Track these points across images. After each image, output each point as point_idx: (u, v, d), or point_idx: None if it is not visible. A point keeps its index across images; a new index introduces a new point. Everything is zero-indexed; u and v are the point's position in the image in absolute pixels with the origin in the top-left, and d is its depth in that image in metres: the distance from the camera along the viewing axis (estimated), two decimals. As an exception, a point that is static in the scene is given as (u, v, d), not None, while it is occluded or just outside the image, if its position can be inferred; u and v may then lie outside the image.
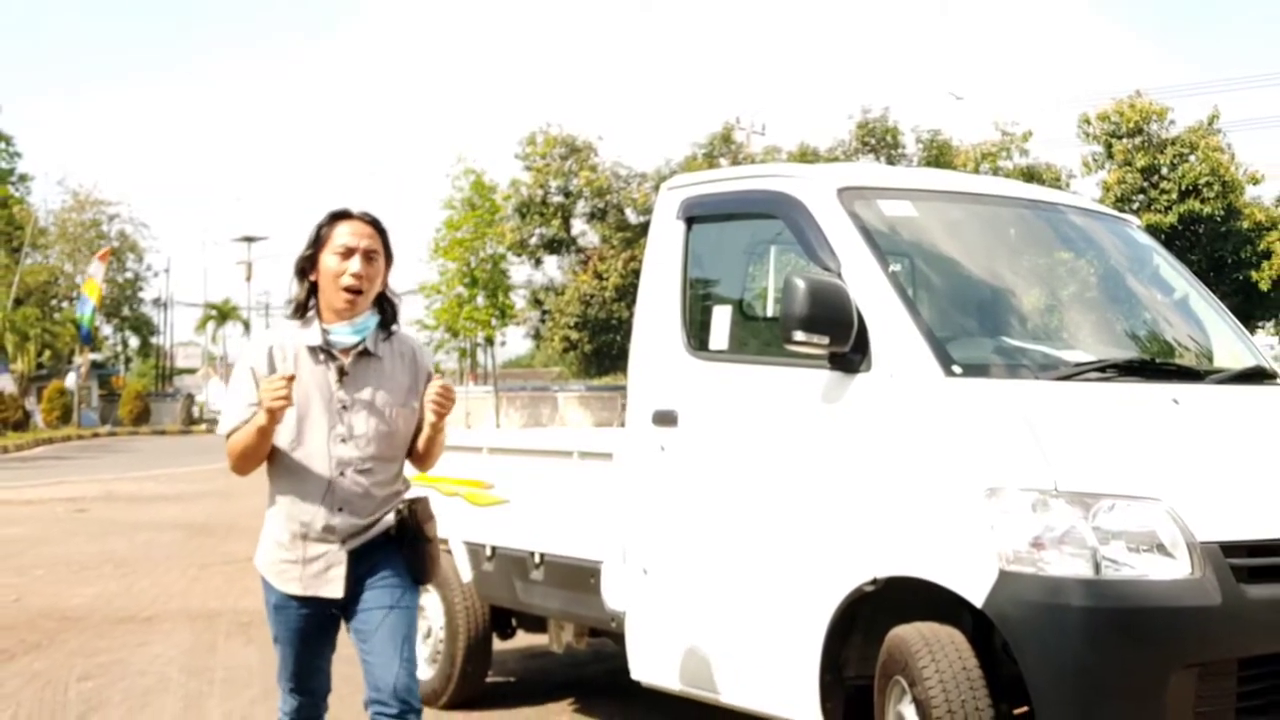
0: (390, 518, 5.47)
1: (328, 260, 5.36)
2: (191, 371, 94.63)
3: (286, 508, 5.39)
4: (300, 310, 5.46)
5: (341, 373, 5.36)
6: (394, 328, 5.58)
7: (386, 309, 5.55)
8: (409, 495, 5.61)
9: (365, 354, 5.42)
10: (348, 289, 5.31)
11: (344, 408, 5.35)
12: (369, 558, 5.42)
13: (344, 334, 5.38)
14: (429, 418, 5.43)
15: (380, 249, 5.45)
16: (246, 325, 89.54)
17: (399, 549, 5.48)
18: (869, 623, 6.09)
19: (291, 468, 5.36)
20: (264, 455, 5.34)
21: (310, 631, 5.54)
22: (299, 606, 5.45)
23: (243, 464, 5.39)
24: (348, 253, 5.32)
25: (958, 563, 5.54)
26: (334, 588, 5.37)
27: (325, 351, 5.37)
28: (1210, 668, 5.25)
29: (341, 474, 5.33)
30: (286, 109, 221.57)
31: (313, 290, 5.45)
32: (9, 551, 17.06)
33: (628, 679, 7.31)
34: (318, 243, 5.43)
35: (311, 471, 5.33)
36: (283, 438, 5.30)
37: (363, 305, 5.39)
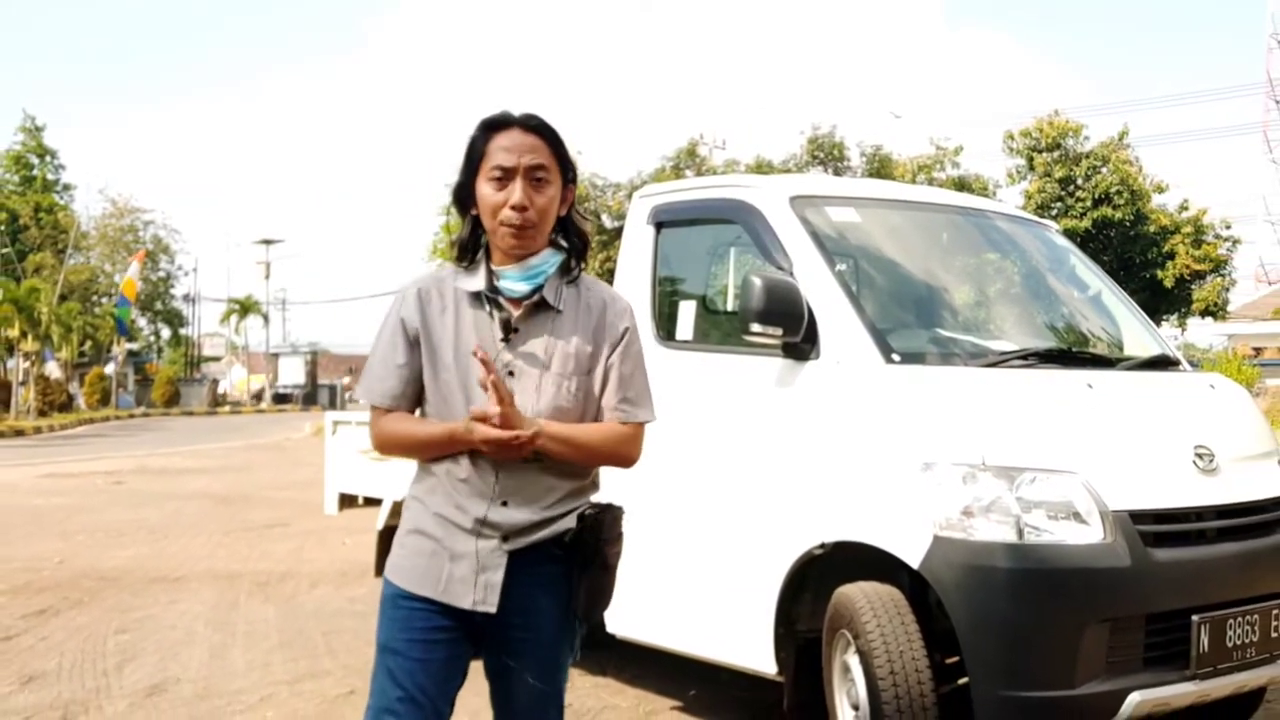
0: (569, 521, 3.73)
1: (484, 189, 3.70)
2: (216, 359, 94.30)
3: (443, 492, 3.72)
4: (466, 253, 3.81)
5: (508, 329, 3.70)
6: (579, 269, 3.87)
7: (573, 242, 3.86)
8: (597, 499, 3.89)
9: (541, 305, 3.76)
10: (509, 225, 3.65)
11: (510, 374, 3.69)
12: (530, 572, 3.69)
13: (513, 280, 3.73)
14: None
15: (552, 164, 3.72)
16: (265, 318, 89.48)
17: (570, 570, 3.75)
18: (818, 582, 6.08)
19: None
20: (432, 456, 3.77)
21: (444, 641, 3.72)
22: (429, 609, 3.70)
23: (397, 454, 3.94)
24: (506, 175, 3.66)
25: (896, 529, 5.53)
26: (485, 598, 3.66)
27: (491, 300, 3.74)
28: (1120, 623, 5.26)
29: None
30: (301, 124, 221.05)
31: (478, 225, 3.79)
32: (54, 519, 17.00)
33: (604, 633, 7.28)
34: (470, 163, 3.76)
35: (474, 451, 3.66)
36: (436, 407, 3.77)
37: (535, 243, 3.72)
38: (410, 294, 3.80)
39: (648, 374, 3.93)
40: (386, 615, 3.76)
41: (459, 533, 3.68)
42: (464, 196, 3.78)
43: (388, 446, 3.86)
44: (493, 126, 3.73)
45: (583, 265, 3.87)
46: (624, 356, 3.84)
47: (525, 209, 3.64)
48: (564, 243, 3.84)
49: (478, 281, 3.76)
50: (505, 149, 3.67)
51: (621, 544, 3.83)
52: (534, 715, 3.85)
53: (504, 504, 3.65)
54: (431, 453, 3.74)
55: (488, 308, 3.73)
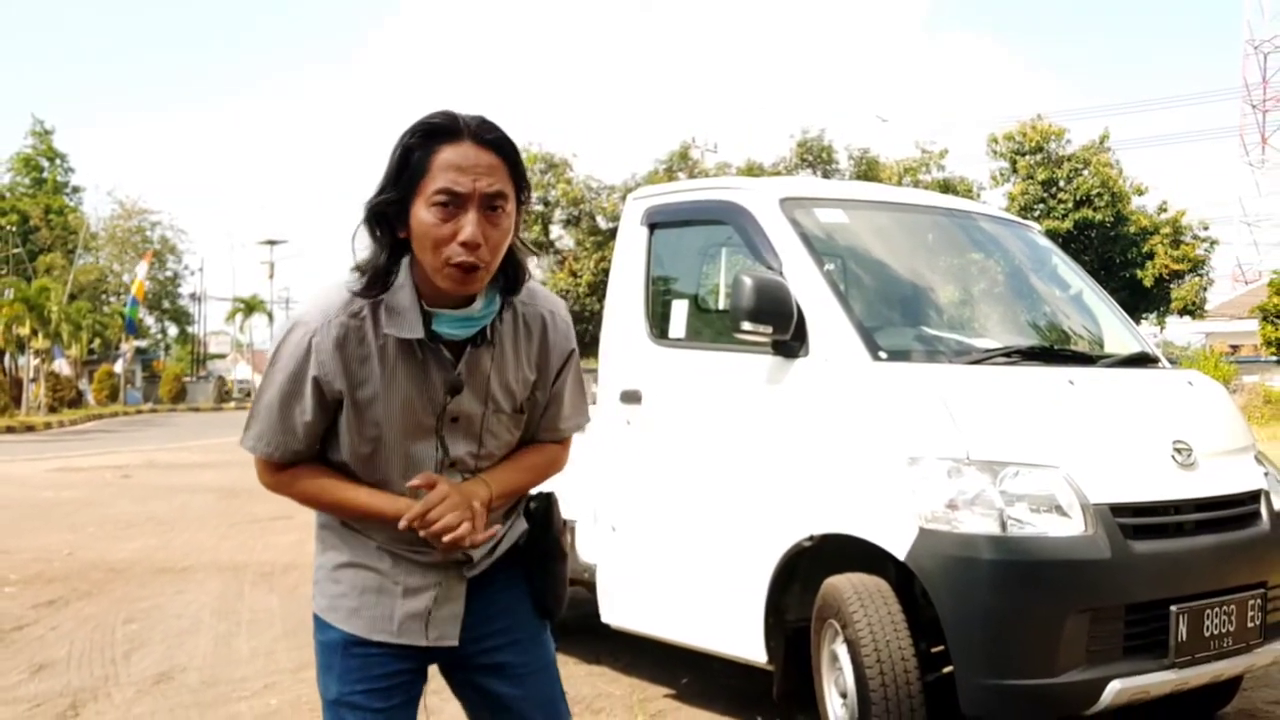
0: (520, 525, 3.32)
1: (423, 215, 2.83)
2: (222, 357, 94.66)
3: (387, 531, 3.09)
4: (377, 285, 2.94)
5: (456, 389, 3.03)
6: (509, 303, 3.11)
7: (510, 274, 3.05)
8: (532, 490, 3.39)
9: (481, 342, 3.05)
10: (458, 266, 2.84)
11: (454, 420, 3.08)
12: (484, 588, 3.24)
13: (453, 327, 2.97)
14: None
15: (510, 190, 2.90)
16: (270, 316, 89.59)
17: (524, 570, 3.32)
18: (807, 574, 6.07)
19: (386, 490, 3.10)
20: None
21: (402, 685, 3.19)
22: (385, 654, 3.14)
23: (300, 503, 3.27)
24: (456, 203, 2.81)
25: (883, 522, 5.53)
26: (445, 632, 3.17)
27: (428, 348, 2.99)
28: (1101, 612, 5.26)
29: None
30: (303, 128, 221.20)
31: (398, 250, 2.94)
32: (64, 511, 16.94)
33: (599, 623, 7.29)
34: (405, 179, 2.86)
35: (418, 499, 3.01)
36: (356, 463, 3.09)
37: (482, 284, 2.95)
38: (324, 347, 2.95)
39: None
40: (336, 665, 3.16)
41: (412, 566, 3.15)
42: (390, 213, 2.90)
43: (293, 497, 3.25)
44: (437, 135, 2.87)
45: (512, 298, 3.10)
46: (568, 379, 3.32)
47: (478, 247, 2.84)
48: (505, 275, 3.05)
49: (413, 327, 2.95)
50: (457, 168, 2.83)
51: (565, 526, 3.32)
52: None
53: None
54: (362, 518, 3.13)
55: (421, 355, 3.00)
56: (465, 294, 2.94)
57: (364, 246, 2.98)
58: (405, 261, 2.97)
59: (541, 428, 3.32)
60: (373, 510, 3.07)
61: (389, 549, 3.15)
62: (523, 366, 3.16)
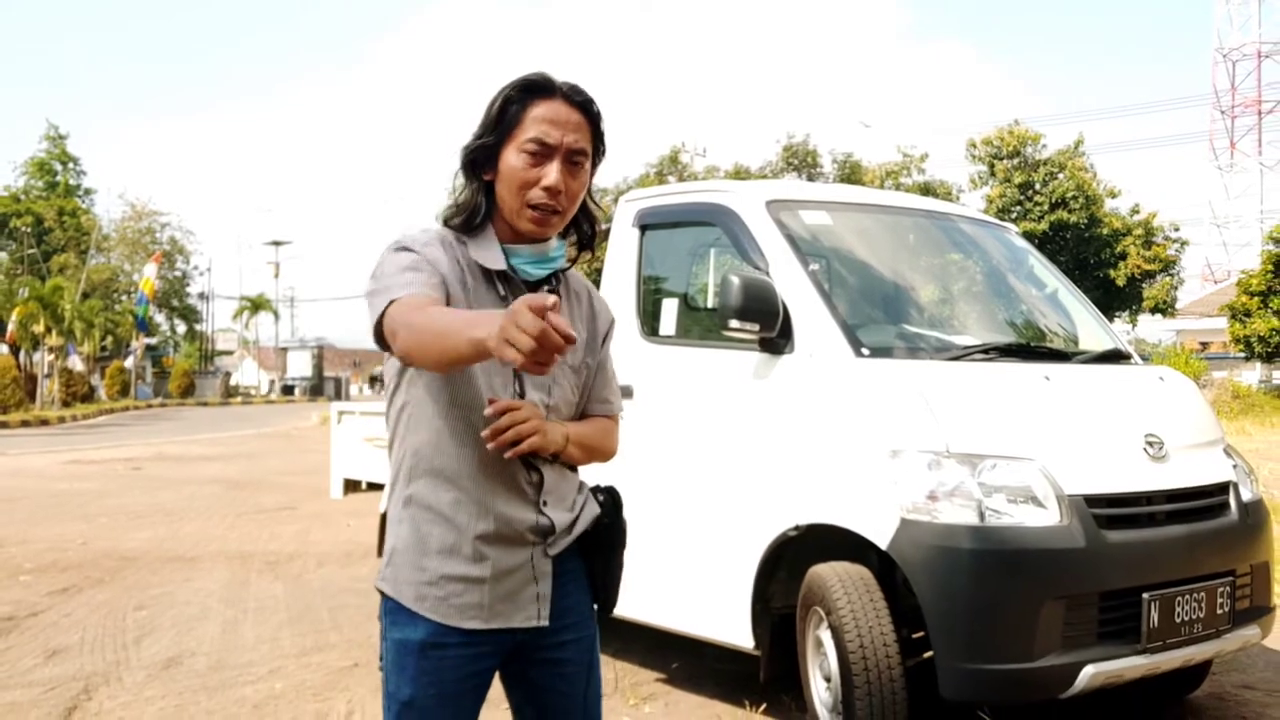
0: (591, 508, 3.26)
1: (512, 159, 3.00)
2: (229, 353, 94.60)
3: (473, 498, 3.00)
4: (469, 223, 3.07)
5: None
6: (576, 258, 3.25)
7: (583, 230, 3.21)
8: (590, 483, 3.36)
9: (554, 285, 3.16)
10: (538, 208, 3.01)
11: None
12: (559, 575, 3.18)
13: (529, 263, 3.07)
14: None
15: (589, 149, 3.08)
16: (275, 315, 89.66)
17: (589, 558, 3.29)
18: (792, 562, 6.07)
19: (468, 445, 2.99)
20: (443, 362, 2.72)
21: (473, 689, 3.08)
22: (466, 647, 3.02)
23: (421, 344, 2.71)
24: (543, 152, 2.99)
25: (866, 512, 5.53)
26: (537, 611, 3.10)
27: (507, 281, 3.06)
28: (1076, 600, 5.26)
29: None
30: (308, 134, 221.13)
31: (487, 193, 3.08)
32: (78, 502, 16.94)
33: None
34: (501, 126, 3.03)
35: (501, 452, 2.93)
36: (450, 386, 2.98)
37: (557, 229, 3.09)
38: (430, 245, 3.00)
39: None
40: (410, 666, 3.01)
41: (503, 546, 3.03)
42: (480, 159, 3.06)
43: (412, 327, 2.74)
44: (534, 91, 3.03)
45: (591, 252, 3.24)
46: (609, 353, 3.35)
47: (559, 193, 3.00)
48: (578, 229, 3.19)
49: (495, 258, 3.04)
50: (549, 122, 3.00)
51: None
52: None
53: (544, 504, 3.07)
54: (437, 342, 2.66)
55: (501, 290, 3.04)
56: (540, 236, 3.07)
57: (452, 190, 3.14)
58: None
59: (592, 398, 3.31)
60: (470, 325, 2.58)
61: (490, 532, 3.01)
62: (578, 326, 3.22)
